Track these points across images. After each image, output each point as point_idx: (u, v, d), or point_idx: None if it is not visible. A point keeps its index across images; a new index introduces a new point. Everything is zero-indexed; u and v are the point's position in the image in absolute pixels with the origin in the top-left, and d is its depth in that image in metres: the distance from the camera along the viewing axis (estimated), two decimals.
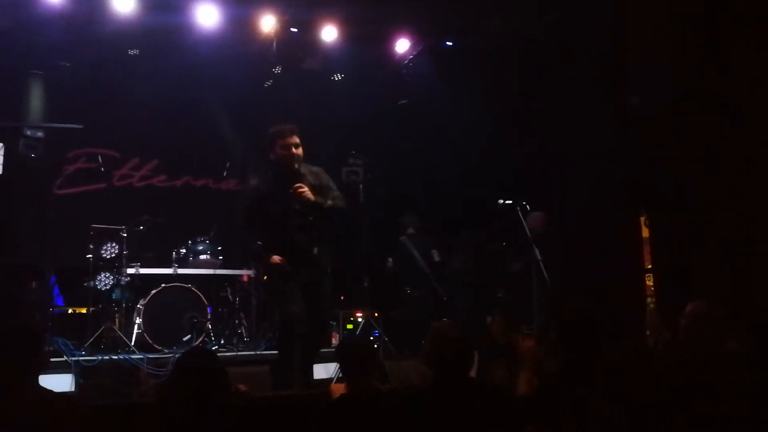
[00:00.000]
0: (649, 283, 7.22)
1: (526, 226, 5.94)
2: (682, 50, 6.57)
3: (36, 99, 7.88)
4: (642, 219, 7.19)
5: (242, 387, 3.90)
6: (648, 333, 6.76)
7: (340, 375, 5.95)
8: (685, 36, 6.56)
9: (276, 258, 5.18)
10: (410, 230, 8.00)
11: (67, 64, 7.76)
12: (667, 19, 6.67)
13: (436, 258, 7.93)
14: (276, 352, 5.64)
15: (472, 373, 3.84)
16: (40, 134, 6.28)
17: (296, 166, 5.25)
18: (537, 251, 5.80)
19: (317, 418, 3.41)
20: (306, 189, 5.18)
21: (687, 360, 3.56)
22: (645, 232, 7.22)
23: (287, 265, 5.19)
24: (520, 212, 5.98)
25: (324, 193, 5.32)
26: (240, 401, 3.58)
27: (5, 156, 5.81)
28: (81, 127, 6.61)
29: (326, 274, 5.40)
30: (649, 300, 7.19)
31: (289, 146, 5.20)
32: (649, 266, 7.21)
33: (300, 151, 5.24)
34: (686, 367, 3.41)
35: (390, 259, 8.05)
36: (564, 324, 3.38)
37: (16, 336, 3.19)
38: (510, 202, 6.02)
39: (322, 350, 5.71)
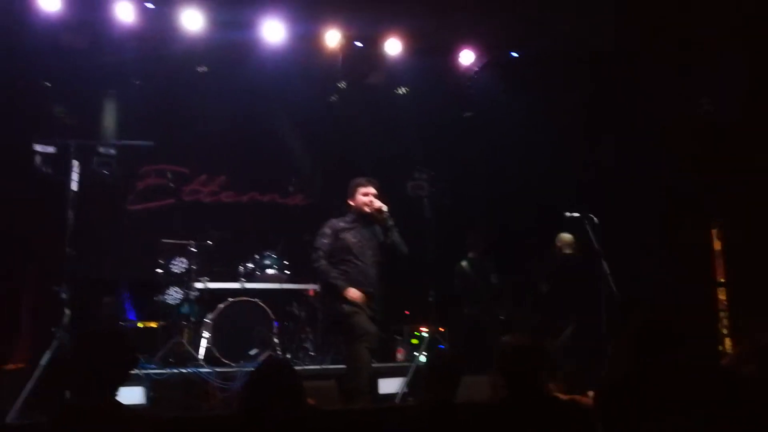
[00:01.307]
0: (722, 297, 6.99)
1: (593, 239, 5.81)
2: (756, 55, 6.37)
3: (109, 117, 8.09)
4: (714, 231, 6.97)
5: (310, 400, 3.89)
6: (720, 348, 6.56)
7: (406, 390, 5.95)
8: (758, 40, 6.35)
9: (354, 293, 5.60)
10: (471, 254, 8.01)
11: (139, 82, 7.93)
12: (739, 23, 6.48)
13: (494, 281, 7.98)
14: (343, 366, 5.72)
15: None
16: (113, 152, 6.41)
17: (374, 212, 5.78)
18: (605, 265, 5.66)
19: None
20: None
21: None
22: (717, 245, 7.00)
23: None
24: (587, 225, 5.85)
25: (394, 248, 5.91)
26: (309, 414, 3.57)
27: (80, 174, 5.96)
28: (152, 144, 6.75)
29: (378, 315, 5.82)
30: (721, 314, 6.95)
31: (368, 194, 5.82)
32: (722, 279, 6.98)
33: (376, 201, 5.80)
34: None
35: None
36: (640, 328, 3.23)
37: (119, 344, 3.19)
38: (577, 214, 5.91)
39: (387, 365, 5.77)
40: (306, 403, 3.21)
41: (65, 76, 7.34)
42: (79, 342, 3.35)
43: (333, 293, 5.60)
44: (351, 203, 5.87)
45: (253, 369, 3.21)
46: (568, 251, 7.24)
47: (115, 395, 3.08)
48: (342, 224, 5.81)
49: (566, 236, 7.23)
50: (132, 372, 5.56)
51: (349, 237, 5.74)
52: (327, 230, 5.78)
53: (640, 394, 2.96)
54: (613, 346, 3.43)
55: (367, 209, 5.78)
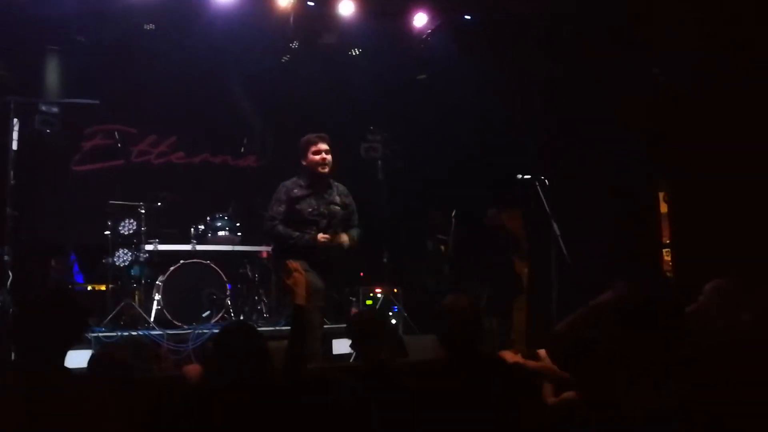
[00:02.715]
0: (668, 258, 7.16)
1: (544, 202, 5.87)
2: (709, 24, 6.45)
3: (52, 75, 7.87)
4: (661, 194, 7.11)
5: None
6: None
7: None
8: (711, 10, 6.43)
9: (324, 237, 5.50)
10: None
11: (83, 40, 7.70)
12: None
13: (430, 247, 8.02)
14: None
15: None
16: (56, 110, 6.25)
17: (326, 170, 5.62)
18: (556, 226, 5.74)
19: (333, 390, 3.42)
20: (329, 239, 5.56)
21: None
22: (664, 207, 7.14)
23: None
24: (539, 187, 5.91)
25: (348, 218, 5.77)
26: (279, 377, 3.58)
27: (21, 132, 5.78)
28: (97, 102, 6.59)
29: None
30: (668, 275, 7.12)
31: (320, 152, 5.59)
32: (668, 241, 7.14)
33: (330, 157, 5.61)
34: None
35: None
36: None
37: (61, 306, 3.04)
38: (528, 177, 5.96)
39: (342, 326, 5.75)
40: (272, 366, 3.22)
41: (4, 31, 7.06)
42: (26, 304, 3.25)
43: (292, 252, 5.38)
44: (303, 163, 5.67)
45: (217, 333, 3.21)
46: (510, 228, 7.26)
47: (63, 358, 3.02)
48: (296, 191, 5.62)
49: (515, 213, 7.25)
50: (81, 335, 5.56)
51: (305, 207, 5.57)
52: (281, 196, 5.61)
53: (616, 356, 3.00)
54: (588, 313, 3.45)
55: (320, 169, 5.60)
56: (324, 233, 5.52)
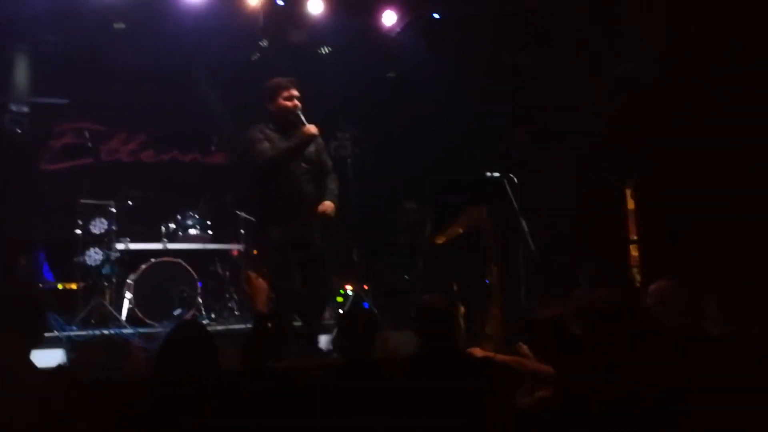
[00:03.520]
0: (635, 254, 7.27)
1: (512, 199, 5.97)
2: (673, 19, 6.55)
3: (20, 73, 7.81)
4: (628, 191, 7.22)
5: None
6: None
7: (331, 348, 6.03)
8: (675, 5, 6.54)
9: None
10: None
11: (52, 38, 7.67)
12: None
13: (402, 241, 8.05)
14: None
15: None
16: (25, 109, 6.26)
17: (298, 117, 5.36)
18: (524, 223, 5.85)
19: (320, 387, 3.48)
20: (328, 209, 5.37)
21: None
22: (631, 204, 7.26)
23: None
24: (507, 185, 6.01)
25: (323, 166, 5.57)
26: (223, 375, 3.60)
27: None
28: (66, 101, 6.57)
29: (322, 231, 5.47)
30: (634, 271, 7.24)
31: (291, 98, 5.37)
32: (635, 237, 7.26)
33: (299, 104, 5.38)
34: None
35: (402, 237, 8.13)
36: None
37: (18, 305, 3.10)
38: (497, 174, 6.05)
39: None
40: (217, 364, 3.22)
41: None
42: None
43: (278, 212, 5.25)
44: (271, 108, 5.38)
45: (167, 332, 3.22)
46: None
47: (24, 358, 3.03)
48: (268, 132, 5.33)
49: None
50: (46, 335, 5.56)
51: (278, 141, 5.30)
52: (258, 135, 5.31)
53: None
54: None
55: (291, 117, 5.32)
56: (308, 181, 5.33)
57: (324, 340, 6.17)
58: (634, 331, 3.10)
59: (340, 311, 7.06)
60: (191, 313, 6.83)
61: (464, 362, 3.57)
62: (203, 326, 3.43)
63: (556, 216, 6.99)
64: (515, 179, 6.05)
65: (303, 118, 5.38)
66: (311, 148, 5.48)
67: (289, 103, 5.37)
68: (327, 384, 3.54)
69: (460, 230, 5.96)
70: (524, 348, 3.93)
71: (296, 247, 5.29)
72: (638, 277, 6.97)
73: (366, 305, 7.17)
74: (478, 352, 4.04)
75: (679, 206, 6.31)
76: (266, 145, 5.29)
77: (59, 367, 3.48)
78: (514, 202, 5.96)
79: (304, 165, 5.40)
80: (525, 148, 7.60)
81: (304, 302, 5.38)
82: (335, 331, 6.25)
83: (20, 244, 7.36)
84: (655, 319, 3.68)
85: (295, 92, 5.40)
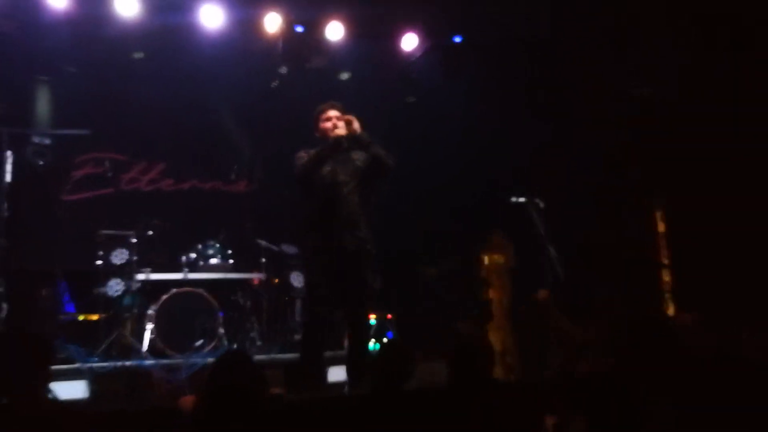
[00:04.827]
0: (666, 279, 7.14)
1: (538, 223, 5.88)
2: (693, 39, 6.49)
3: (42, 105, 7.87)
4: (658, 213, 7.11)
5: (277, 390, 3.87)
6: None
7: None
8: (694, 25, 6.48)
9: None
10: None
11: (73, 69, 7.72)
12: (675, 9, 6.60)
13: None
14: (289, 355, 5.64)
15: None
16: (47, 141, 6.27)
17: (339, 133, 5.35)
18: (551, 249, 5.74)
19: (349, 418, 3.41)
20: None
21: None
22: (661, 227, 7.14)
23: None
24: (533, 209, 5.92)
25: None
26: (276, 405, 3.55)
27: (14, 164, 5.79)
28: (88, 132, 6.58)
29: (369, 245, 5.36)
30: (666, 296, 7.11)
31: (330, 118, 5.42)
32: (666, 261, 7.13)
33: (342, 123, 5.36)
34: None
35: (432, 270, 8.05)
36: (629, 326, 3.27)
37: (27, 345, 3.12)
38: (523, 199, 5.96)
39: (336, 353, 5.68)
40: (268, 393, 3.21)
41: None
42: None
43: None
44: (317, 134, 5.51)
45: (213, 362, 3.18)
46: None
47: (44, 392, 3.03)
48: (311, 151, 5.39)
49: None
50: (69, 366, 5.54)
51: (324, 167, 5.31)
52: (301, 153, 5.41)
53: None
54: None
55: (332, 134, 5.36)
56: (348, 192, 5.27)
57: (339, 372, 6.05)
58: (669, 361, 3.00)
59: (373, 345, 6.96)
60: (213, 344, 6.75)
61: (499, 392, 3.47)
62: (249, 356, 3.40)
63: (583, 241, 6.87)
64: (540, 204, 5.95)
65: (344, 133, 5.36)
66: (357, 161, 5.42)
67: (328, 124, 5.42)
68: (356, 417, 3.46)
69: (487, 255, 5.90)
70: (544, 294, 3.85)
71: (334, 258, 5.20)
72: (670, 303, 6.85)
73: (390, 335, 7.07)
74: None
75: (710, 228, 6.19)
76: (303, 156, 5.38)
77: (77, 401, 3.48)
78: (540, 227, 5.85)
79: (344, 177, 5.34)
80: (549, 172, 7.51)
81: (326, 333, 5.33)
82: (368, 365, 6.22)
83: (42, 276, 7.34)
84: (689, 348, 3.58)
85: (332, 113, 5.45)
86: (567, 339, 3.78)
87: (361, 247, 5.26)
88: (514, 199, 5.97)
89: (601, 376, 3.28)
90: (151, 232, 7.24)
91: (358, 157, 5.42)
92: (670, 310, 6.81)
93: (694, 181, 6.47)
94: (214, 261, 7.40)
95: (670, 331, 3.22)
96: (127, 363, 6.09)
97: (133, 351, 6.44)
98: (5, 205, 5.68)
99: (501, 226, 7.15)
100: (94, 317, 6.98)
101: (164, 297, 6.82)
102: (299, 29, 7.87)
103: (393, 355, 3.67)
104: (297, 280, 7.53)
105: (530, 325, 5.71)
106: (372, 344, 6.59)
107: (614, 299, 6.25)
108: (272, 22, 7.56)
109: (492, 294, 6.99)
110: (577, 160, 7.45)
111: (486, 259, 6.53)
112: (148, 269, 7.05)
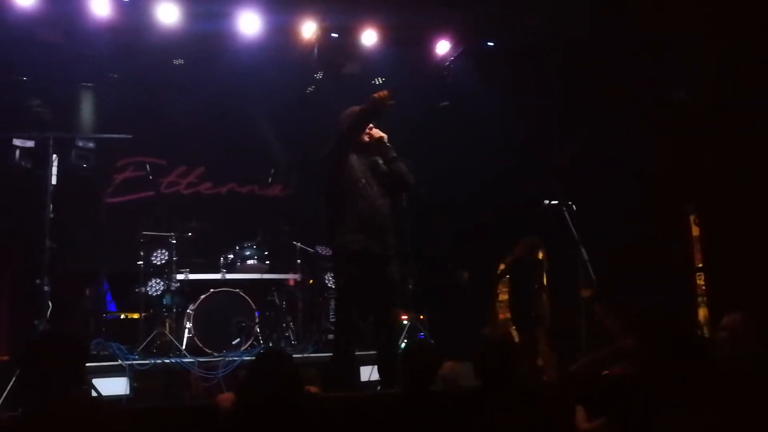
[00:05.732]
0: (700, 282, 7.08)
1: (572, 227, 5.90)
2: (730, 40, 6.45)
3: (86, 110, 8.12)
4: (692, 217, 7.06)
5: (312, 388, 3.94)
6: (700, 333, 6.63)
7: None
8: (730, 29, 6.44)
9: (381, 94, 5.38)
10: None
11: (115, 76, 7.95)
12: (712, 9, 6.56)
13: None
14: (323, 355, 5.72)
15: None
16: (91, 145, 6.46)
17: (370, 138, 5.52)
18: (584, 252, 5.76)
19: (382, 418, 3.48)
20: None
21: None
22: (695, 231, 7.09)
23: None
24: (566, 213, 5.93)
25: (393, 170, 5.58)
26: (311, 403, 3.63)
27: (59, 167, 5.99)
28: (130, 137, 6.77)
29: (394, 250, 5.44)
30: (700, 300, 7.06)
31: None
32: (700, 265, 7.07)
33: (375, 128, 5.56)
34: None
35: (465, 274, 8.09)
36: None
37: (64, 346, 3.20)
38: (556, 202, 5.98)
39: (368, 353, 5.74)
40: (303, 391, 3.29)
41: (42, 70, 7.33)
42: (25, 347, 3.38)
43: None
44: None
45: (253, 360, 3.27)
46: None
47: (79, 391, 3.13)
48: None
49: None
50: (111, 363, 5.69)
51: (354, 161, 5.36)
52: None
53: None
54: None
55: (366, 138, 5.47)
56: (369, 187, 5.33)
57: (368, 371, 6.12)
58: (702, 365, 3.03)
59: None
60: (249, 343, 6.89)
61: (521, 396, 3.51)
62: (287, 355, 3.50)
63: (616, 244, 6.86)
64: (574, 207, 5.97)
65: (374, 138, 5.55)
66: (384, 169, 5.50)
67: (365, 137, 5.51)
68: (385, 417, 3.54)
69: (517, 259, 5.92)
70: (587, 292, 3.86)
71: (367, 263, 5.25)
72: (705, 307, 6.80)
73: (421, 336, 7.14)
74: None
75: (745, 231, 6.14)
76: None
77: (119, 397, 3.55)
78: (574, 231, 5.87)
79: (373, 182, 5.42)
80: (582, 175, 7.51)
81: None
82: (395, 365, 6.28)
83: (85, 276, 7.56)
84: (724, 351, 3.61)
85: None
86: (612, 339, 3.80)
87: (387, 251, 5.33)
88: (546, 202, 5.99)
89: (626, 380, 3.31)
90: (190, 234, 7.41)
91: (382, 165, 5.52)
92: (703, 314, 6.77)
93: (728, 186, 6.42)
94: (251, 262, 7.54)
95: (692, 335, 3.25)
96: (167, 360, 6.23)
97: (172, 349, 6.59)
98: (51, 208, 5.85)
99: (534, 230, 7.19)
100: (135, 316, 7.17)
101: (202, 297, 6.98)
102: (334, 35, 7.97)
103: (415, 356, 3.74)
104: (331, 281, 7.65)
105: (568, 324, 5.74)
106: (403, 345, 6.67)
107: (646, 304, 6.23)
108: (308, 29, 7.68)
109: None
110: (610, 163, 7.43)
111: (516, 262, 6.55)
112: (187, 270, 7.22)
